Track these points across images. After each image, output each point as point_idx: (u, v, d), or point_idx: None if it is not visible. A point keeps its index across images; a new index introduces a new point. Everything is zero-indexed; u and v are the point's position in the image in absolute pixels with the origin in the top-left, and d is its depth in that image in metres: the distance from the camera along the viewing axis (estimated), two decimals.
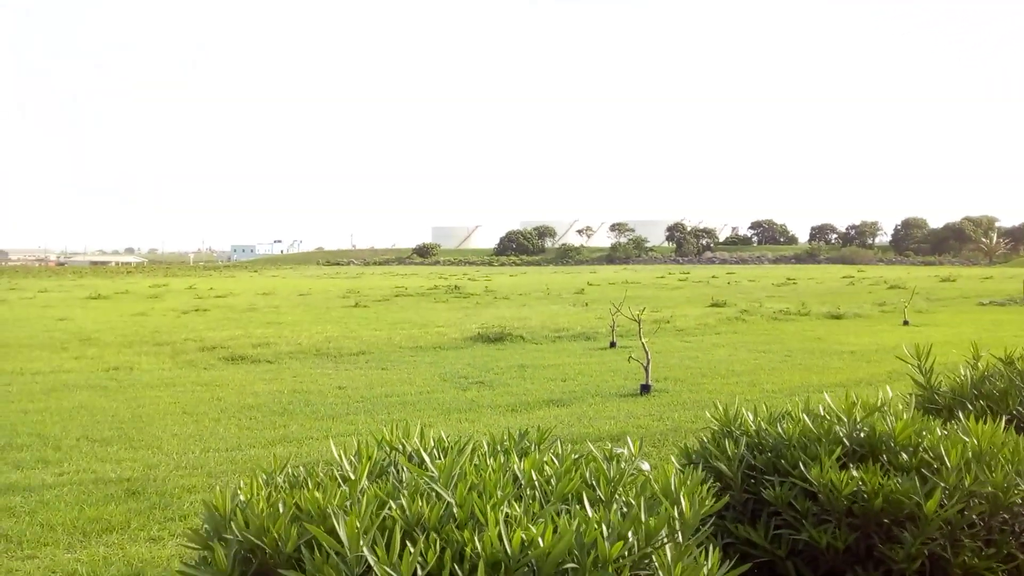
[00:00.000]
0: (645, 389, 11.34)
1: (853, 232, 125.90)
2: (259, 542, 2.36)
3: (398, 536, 2.20)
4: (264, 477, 2.85)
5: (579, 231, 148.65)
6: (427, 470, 2.81)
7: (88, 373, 13.57)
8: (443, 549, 2.28)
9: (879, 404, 3.89)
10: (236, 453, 7.98)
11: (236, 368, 14.17)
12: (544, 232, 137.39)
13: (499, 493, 2.68)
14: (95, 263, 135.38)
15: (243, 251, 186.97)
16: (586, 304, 28.81)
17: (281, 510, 2.48)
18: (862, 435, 3.61)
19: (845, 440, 3.53)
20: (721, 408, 3.94)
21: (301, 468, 2.91)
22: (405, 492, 2.55)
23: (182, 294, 38.15)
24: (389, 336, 18.62)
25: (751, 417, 3.82)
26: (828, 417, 3.82)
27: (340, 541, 2.22)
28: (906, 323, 20.98)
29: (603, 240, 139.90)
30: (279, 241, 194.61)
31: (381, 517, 2.40)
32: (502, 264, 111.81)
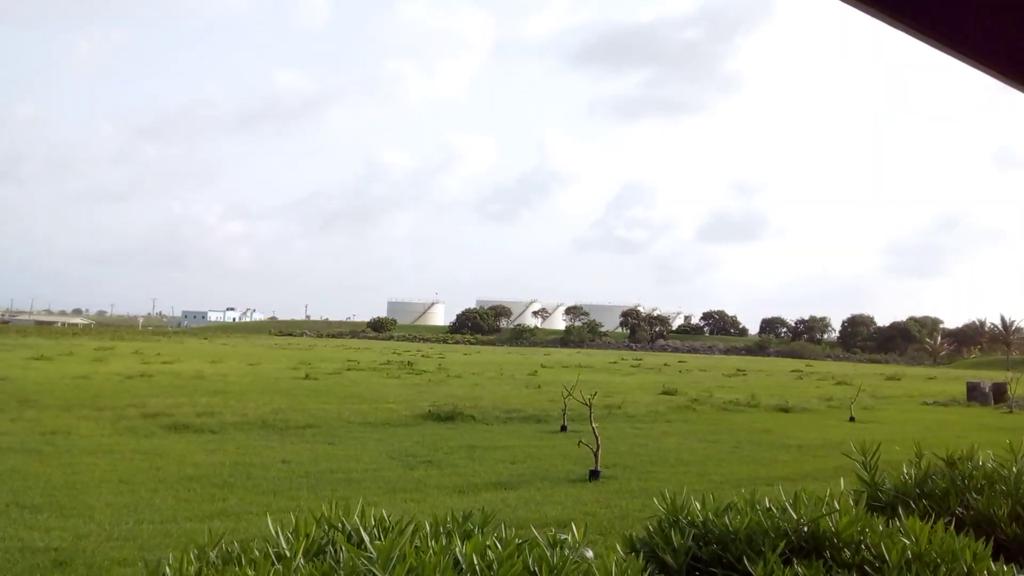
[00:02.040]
0: (594, 475, 11.25)
1: (802, 327, 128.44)
2: None
3: None
4: (196, 552, 2.75)
5: (535, 312, 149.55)
6: (366, 550, 2.75)
7: (24, 436, 13.12)
8: None
9: (825, 499, 3.91)
10: (171, 526, 7.71)
11: (178, 437, 13.81)
12: (500, 312, 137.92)
13: None
14: (40, 323, 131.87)
15: (194, 317, 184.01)
16: (539, 386, 28.75)
17: None
18: (806, 530, 3.62)
19: (791, 535, 3.53)
20: (668, 497, 3.92)
21: (236, 544, 2.82)
22: (341, 573, 2.48)
23: (128, 358, 37.29)
24: (338, 410, 18.32)
25: (698, 507, 3.81)
26: (774, 510, 3.82)
27: None
28: (852, 419, 21.24)
29: (559, 323, 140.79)
30: (232, 309, 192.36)
31: None
32: (456, 342, 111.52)
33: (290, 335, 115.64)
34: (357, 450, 13.07)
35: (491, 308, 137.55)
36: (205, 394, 21.04)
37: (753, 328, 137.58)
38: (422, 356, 52.97)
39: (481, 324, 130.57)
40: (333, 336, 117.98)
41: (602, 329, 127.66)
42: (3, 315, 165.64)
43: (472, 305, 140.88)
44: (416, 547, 2.88)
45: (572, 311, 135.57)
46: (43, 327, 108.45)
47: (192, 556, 2.67)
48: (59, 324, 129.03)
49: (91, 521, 7.75)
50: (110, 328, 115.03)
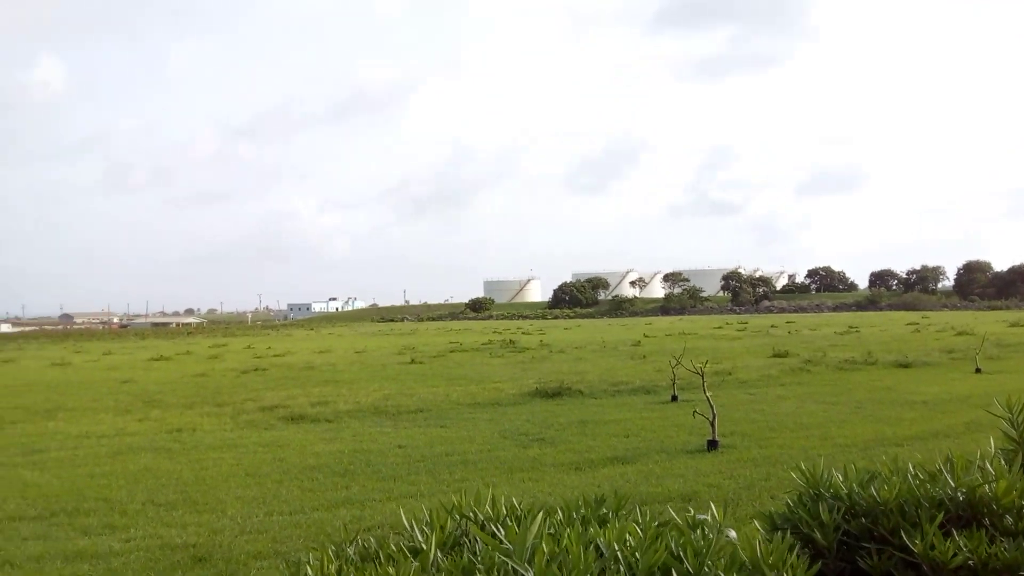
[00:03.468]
0: (712, 445, 11.01)
1: (914, 277, 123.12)
2: None
3: None
4: (334, 549, 2.74)
5: (632, 282, 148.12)
6: (501, 541, 2.68)
7: (152, 435, 13.69)
8: None
9: (976, 462, 3.64)
10: (300, 516, 7.91)
11: (296, 428, 14.18)
12: (597, 284, 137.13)
13: (581, 567, 2.53)
14: (156, 324, 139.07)
15: (299, 309, 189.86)
16: (643, 357, 28.43)
17: None
18: (962, 497, 3.37)
19: (947, 503, 3.29)
20: (807, 469, 3.73)
21: (371, 539, 2.79)
22: (481, 567, 2.42)
23: (241, 354, 38.71)
24: (447, 393, 18.53)
25: (840, 478, 3.60)
26: (920, 476, 3.58)
27: None
28: (978, 371, 20.20)
29: (656, 291, 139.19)
30: (334, 299, 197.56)
31: None
32: (555, 317, 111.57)
33: (391, 320, 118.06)
34: (470, 431, 13.17)
35: (587, 280, 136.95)
36: (317, 384, 21.62)
37: (862, 282, 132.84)
38: (523, 333, 53.20)
39: (579, 297, 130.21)
40: (433, 319, 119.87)
41: (703, 294, 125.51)
42: (122, 319, 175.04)
43: (568, 279, 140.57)
44: (551, 534, 2.80)
45: (670, 278, 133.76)
46: (159, 328, 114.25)
47: (331, 553, 2.65)
48: (174, 324, 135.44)
49: (223, 516, 8.01)
50: (221, 325, 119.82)
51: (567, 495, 8.10)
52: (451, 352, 34.65)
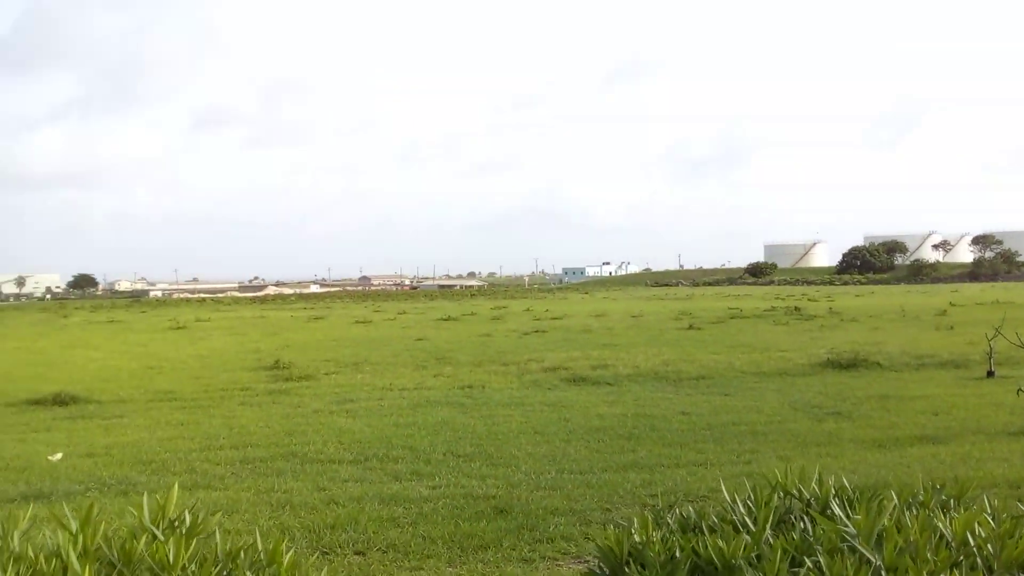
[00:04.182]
0: None
1: None
2: None
3: None
4: (653, 516, 2.66)
5: (934, 246, 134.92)
6: (837, 524, 2.44)
7: (446, 390, 14.60)
8: None
9: None
10: (590, 476, 8.02)
11: (578, 390, 14.46)
12: (893, 248, 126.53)
13: (928, 557, 2.24)
14: (442, 286, 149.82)
15: (573, 273, 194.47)
16: (951, 327, 25.77)
17: (678, 555, 2.26)
18: None
19: None
20: None
21: (691, 509, 2.68)
22: (819, 549, 2.21)
23: (520, 316, 40.32)
24: (729, 360, 17.99)
25: None
26: None
27: None
28: None
29: (963, 255, 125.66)
30: (608, 263, 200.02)
31: None
32: (844, 283, 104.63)
33: (665, 285, 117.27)
34: (756, 401, 12.67)
35: (882, 244, 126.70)
36: (595, 347, 21.94)
37: None
38: (808, 300, 50.47)
39: (872, 262, 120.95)
40: (709, 284, 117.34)
41: (1020, 259, 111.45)
42: (412, 282, 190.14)
43: (859, 242, 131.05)
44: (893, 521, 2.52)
45: (981, 241, 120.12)
46: (444, 290, 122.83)
47: (650, 520, 2.57)
48: (457, 287, 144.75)
49: (518, 471, 8.32)
50: (500, 288, 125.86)
51: (873, 475, 7.49)
52: (731, 318, 33.66)
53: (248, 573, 2.20)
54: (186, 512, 2.50)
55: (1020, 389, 10.65)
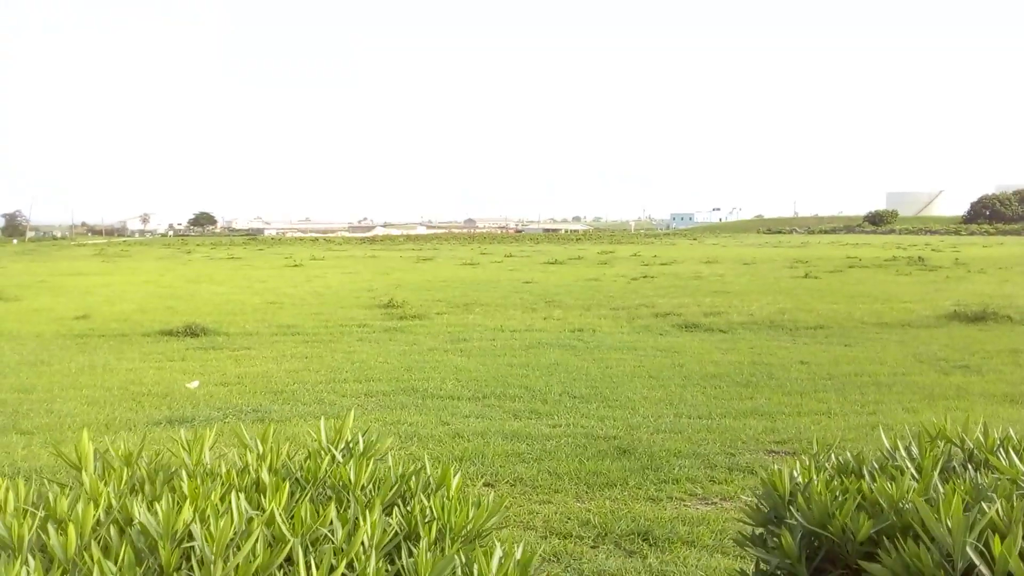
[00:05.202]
0: None
1: None
2: (824, 530, 2.17)
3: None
4: (807, 460, 2.65)
5: None
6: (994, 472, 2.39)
7: (556, 333, 14.71)
8: None
9: None
10: (709, 421, 8.00)
11: (691, 336, 14.33)
12: None
13: None
14: (547, 230, 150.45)
15: (681, 219, 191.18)
16: None
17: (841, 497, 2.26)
18: None
19: None
20: None
21: (848, 454, 2.65)
22: (993, 495, 2.17)
23: (628, 261, 40.00)
24: (848, 310, 17.46)
25: None
26: None
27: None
28: None
29: None
30: (717, 209, 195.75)
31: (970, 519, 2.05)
32: (971, 233, 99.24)
33: (779, 232, 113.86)
34: (878, 352, 12.29)
35: (1015, 193, 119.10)
36: (707, 294, 21.61)
37: None
38: (932, 250, 48.15)
39: (1003, 212, 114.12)
40: (825, 232, 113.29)
41: None
42: (518, 225, 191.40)
43: (991, 191, 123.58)
44: None
45: None
46: (550, 234, 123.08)
47: (811, 464, 2.56)
48: (562, 231, 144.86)
49: (635, 413, 8.37)
50: (606, 232, 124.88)
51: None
52: (849, 268, 32.51)
53: (421, 494, 2.32)
54: (360, 436, 2.65)
55: None
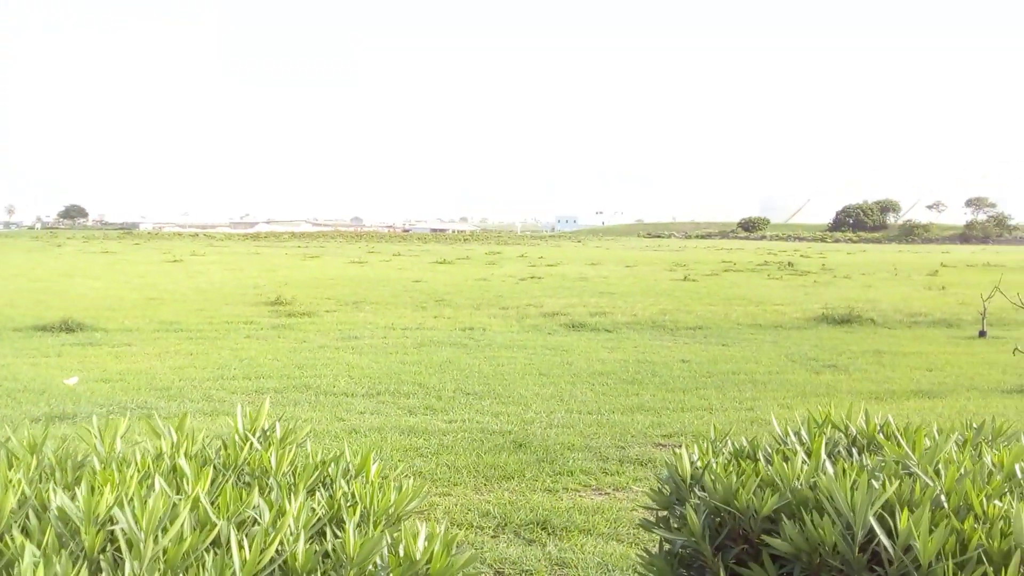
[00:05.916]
0: None
1: None
2: (729, 506, 2.32)
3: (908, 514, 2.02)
4: (706, 444, 2.82)
5: (928, 206, 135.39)
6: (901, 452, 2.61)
7: (447, 331, 14.77)
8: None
9: None
10: (599, 416, 8.23)
11: (578, 335, 14.65)
12: (887, 207, 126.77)
13: (983, 482, 2.41)
14: (434, 230, 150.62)
15: (566, 222, 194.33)
16: (942, 287, 26.09)
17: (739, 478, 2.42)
18: None
19: None
20: None
21: (743, 439, 2.84)
22: (880, 476, 2.37)
23: (515, 262, 40.44)
24: (725, 312, 18.24)
25: None
26: None
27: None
28: None
29: (956, 217, 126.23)
30: (600, 212, 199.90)
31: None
32: (837, 241, 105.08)
33: (658, 237, 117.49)
34: (753, 352, 12.91)
35: (876, 203, 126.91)
36: (592, 295, 22.13)
37: None
38: (801, 256, 50.76)
39: (865, 220, 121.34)
40: (701, 237, 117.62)
41: (1011, 222, 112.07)
42: (404, 225, 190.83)
43: (854, 201, 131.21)
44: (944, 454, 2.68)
45: (975, 203, 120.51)
46: (437, 234, 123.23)
47: (704, 447, 2.73)
48: (450, 231, 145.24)
49: (528, 409, 8.52)
50: (493, 234, 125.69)
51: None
52: (725, 271, 33.92)
53: (342, 480, 2.34)
54: (276, 423, 2.64)
55: (1016, 349, 10.90)
